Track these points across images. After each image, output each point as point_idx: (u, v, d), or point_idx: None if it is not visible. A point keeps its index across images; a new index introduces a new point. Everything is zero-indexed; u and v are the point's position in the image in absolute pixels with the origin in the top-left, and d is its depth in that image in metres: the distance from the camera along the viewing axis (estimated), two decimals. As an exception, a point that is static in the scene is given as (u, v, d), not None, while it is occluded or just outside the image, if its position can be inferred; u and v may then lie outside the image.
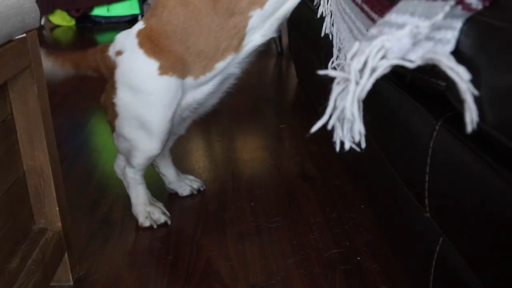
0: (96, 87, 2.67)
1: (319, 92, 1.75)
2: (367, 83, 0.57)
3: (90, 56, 1.40)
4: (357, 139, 0.57)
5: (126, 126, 1.32)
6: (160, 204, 1.47)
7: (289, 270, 1.22)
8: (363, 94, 0.58)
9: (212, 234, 1.37)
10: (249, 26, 1.23)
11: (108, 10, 4.49)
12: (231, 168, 1.72)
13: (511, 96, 0.51)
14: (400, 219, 0.95)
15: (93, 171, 1.75)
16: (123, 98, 1.30)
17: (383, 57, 0.56)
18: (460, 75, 0.52)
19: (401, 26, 0.57)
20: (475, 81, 0.55)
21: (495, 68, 0.53)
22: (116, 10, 4.51)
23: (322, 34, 1.21)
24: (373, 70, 0.56)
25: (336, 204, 1.49)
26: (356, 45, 0.59)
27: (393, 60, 0.56)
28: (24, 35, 0.99)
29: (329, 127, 0.61)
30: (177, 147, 1.89)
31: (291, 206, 1.50)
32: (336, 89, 0.60)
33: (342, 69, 0.60)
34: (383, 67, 0.56)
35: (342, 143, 0.62)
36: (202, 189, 1.59)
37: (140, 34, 1.29)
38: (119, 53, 1.31)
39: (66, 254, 1.17)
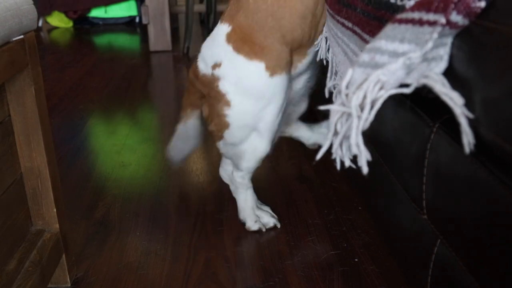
0: (94, 88, 2.69)
1: (317, 95, 1.75)
2: (369, 116, 0.59)
3: (193, 90, 1.34)
4: (365, 170, 0.59)
5: (238, 135, 1.27)
6: (267, 208, 1.45)
7: (286, 271, 1.22)
8: (366, 126, 0.59)
9: (209, 236, 1.38)
10: None
11: (105, 11, 4.49)
12: (228, 170, 1.72)
13: (506, 99, 0.52)
14: (398, 220, 0.96)
15: (90, 173, 1.75)
16: (239, 108, 1.24)
17: (381, 88, 0.58)
18: (454, 100, 0.54)
19: (392, 54, 0.58)
20: (471, 89, 0.56)
21: (489, 75, 0.54)
22: (114, 12, 4.51)
23: (317, 59, 1.21)
24: (373, 102, 0.58)
25: (333, 205, 1.49)
26: (350, 72, 0.61)
27: (391, 91, 0.58)
28: (22, 36, 0.99)
29: (333, 151, 0.63)
30: (174, 149, 1.89)
31: (288, 208, 1.50)
32: (334, 115, 0.62)
33: (340, 97, 0.62)
34: (382, 98, 0.58)
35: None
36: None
37: (230, 38, 1.21)
38: (216, 66, 1.24)
39: (63, 256, 1.17)
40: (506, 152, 0.54)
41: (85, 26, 4.50)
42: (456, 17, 0.56)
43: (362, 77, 0.61)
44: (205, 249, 1.32)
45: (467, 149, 0.53)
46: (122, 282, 1.20)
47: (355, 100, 0.59)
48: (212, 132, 1.33)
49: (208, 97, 1.29)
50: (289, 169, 1.74)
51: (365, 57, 0.61)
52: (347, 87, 0.62)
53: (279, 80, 1.21)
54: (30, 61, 1.02)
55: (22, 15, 0.96)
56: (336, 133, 0.63)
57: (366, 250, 1.29)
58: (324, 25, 1.20)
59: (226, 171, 1.46)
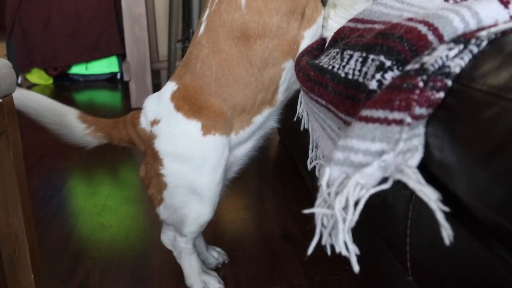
0: (74, 147, 2.66)
1: (300, 152, 1.75)
2: (353, 217, 0.60)
3: (121, 129, 1.33)
4: (356, 269, 0.61)
5: (177, 195, 1.25)
6: (214, 273, 1.42)
7: (273, 336, 1.19)
8: (352, 225, 0.61)
9: (193, 300, 1.34)
10: (282, 78, 1.19)
11: (86, 68, 4.50)
12: (212, 230, 1.69)
13: (481, 164, 0.53)
14: (384, 281, 0.94)
15: (69, 235, 1.71)
16: (171, 168, 1.23)
17: (361, 188, 0.60)
18: (429, 196, 0.55)
19: (366, 152, 0.61)
20: (447, 155, 0.57)
21: (464, 141, 0.56)
22: (95, 68, 4.52)
23: (302, 129, 1.21)
24: (356, 202, 0.60)
25: (319, 265, 1.47)
26: (327, 171, 0.64)
27: (372, 190, 0.60)
28: (0, 100, 0.98)
29: (324, 241, 0.66)
30: (156, 208, 1.87)
31: (273, 268, 1.47)
32: (319, 212, 0.65)
33: (321, 195, 0.65)
34: (364, 199, 0.60)
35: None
36: (226, 262, 1.53)
37: (174, 96, 1.24)
38: (154, 122, 1.25)
39: (40, 325, 1.13)
40: (484, 214, 0.54)
41: (65, 83, 4.50)
42: (419, 110, 0.58)
43: (340, 176, 0.63)
44: (188, 314, 1.28)
45: (446, 241, 0.53)
46: None
47: (338, 205, 0.60)
48: (151, 196, 1.30)
49: (145, 155, 1.29)
50: (274, 228, 1.72)
51: (339, 155, 0.63)
52: (327, 185, 0.64)
53: (212, 140, 1.20)
54: (9, 125, 1.01)
55: (0, 79, 0.95)
56: (323, 226, 0.65)
57: (353, 312, 1.26)
58: (284, 92, 1.23)
59: (168, 236, 1.43)
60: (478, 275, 0.59)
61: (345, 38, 0.94)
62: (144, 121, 1.28)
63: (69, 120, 1.33)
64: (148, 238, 1.66)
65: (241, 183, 2.08)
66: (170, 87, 1.26)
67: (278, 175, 2.23)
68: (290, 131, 1.91)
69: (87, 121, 1.35)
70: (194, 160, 1.21)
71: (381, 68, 0.69)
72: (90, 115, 1.36)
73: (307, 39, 1.15)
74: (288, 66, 1.18)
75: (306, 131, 1.18)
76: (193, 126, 1.20)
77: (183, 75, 1.25)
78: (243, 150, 1.31)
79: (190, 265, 1.37)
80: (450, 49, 0.60)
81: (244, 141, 1.28)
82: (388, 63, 0.68)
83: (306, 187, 1.92)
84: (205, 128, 1.20)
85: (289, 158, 2.39)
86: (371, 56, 0.74)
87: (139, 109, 1.31)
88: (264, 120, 1.26)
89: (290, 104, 1.29)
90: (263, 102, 1.22)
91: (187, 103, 1.21)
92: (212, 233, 1.67)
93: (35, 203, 1.93)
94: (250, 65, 1.17)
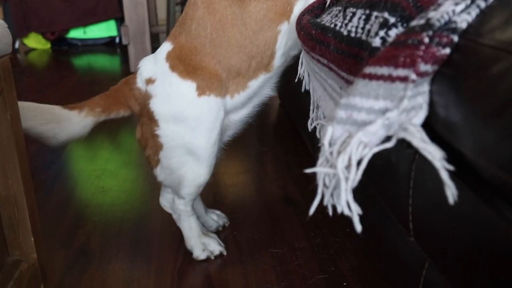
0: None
1: (301, 114, 1.74)
2: (356, 177, 0.59)
3: (117, 95, 1.31)
4: (359, 229, 0.59)
5: (174, 156, 1.25)
6: (214, 235, 1.42)
7: (273, 298, 1.19)
8: (355, 185, 0.60)
9: (193, 263, 1.34)
10: (278, 43, 1.17)
11: (84, 32, 4.46)
12: (212, 193, 1.69)
13: (488, 121, 0.52)
14: (386, 243, 0.94)
15: (69, 199, 1.71)
16: (167, 128, 1.23)
17: (364, 147, 0.59)
18: (433, 155, 0.54)
19: (369, 110, 0.59)
20: (453, 113, 0.57)
21: (469, 98, 0.55)
22: (93, 32, 4.48)
23: (303, 90, 1.20)
24: (359, 161, 0.59)
25: (320, 228, 1.47)
26: (330, 130, 0.63)
27: (375, 148, 0.58)
28: (-4, 61, 0.96)
29: (325, 201, 0.64)
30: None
31: (274, 232, 1.47)
32: (321, 171, 0.63)
33: (323, 154, 0.64)
34: (367, 157, 0.58)
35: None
36: (226, 225, 1.53)
37: (169, 56, 1.22)
38: (149, 81, 1.24)
39: (42, 287, 1.13)
40: (491, 173, 0.53)
41: (63, 47, 4.46)
42: (424, 67, 0.57)
43: (343, 134, 0.61)
44: (190, 276, 1.29)
45: (451, 200, 0.52)
46: (104, 314, 1.16)
47: (341, 164, 0.59)
48: (148, 157, 1.31)
49: (141, 117, 1.29)
50: (274, 191, 1.72)
51: (341, 113, 0.62)
52: (329, 144, 0.63)
53: (207, 101, 1.20)
54: (5, 87, 0.99)
55: (-5, 40, 0.93)
56: (325, 186, 0.63)
57: (355, 274, 1.26)
58: (281, 58, 1.21)
59: (167, 199, 1.43)
60: (482, 235, 0.58)
61: (347, -4, 0.92)
62: (140, 81, 1.27)
63: (61, 113, 1.31)
64: (148, 202, 1.66)
65: (241, 146, 2.07)
66: (165, 47, 1.25)
67: (279, 138, 2.22)
68: (291, 94, 1.89)
69: (75, 107, 1.31)
70: (189, 121, 1.21)
71: (385, 25, 0.67)
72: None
73: (302, 0, 1.13)
74: (284, 29, 1.16)
75: (307, 93, 1.17)
76: (188, 87, 1.19)
77: (178, 35, 1.24)
78: (239, 116, 1.30)
79: (189, 228, 1.37)
80: (456, 4, 0.58)
81: (240, 106, 1.27)
82: (392, 19, 0.66)
83: (307, 151, 1.91)
84: (200, 88, 1.19)
85: (289, 121, 2.38)
86: (375, 13, 0.72)
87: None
88: (260, 85, 1.24)
89: (291, 66, 1.27)
90: (258, 67, 1.20)
91: (182, 63, 1.20)
92: (212, 197, 1.67)
93: (34, 168, 1.92)
94: (244, 27, 1.15)
